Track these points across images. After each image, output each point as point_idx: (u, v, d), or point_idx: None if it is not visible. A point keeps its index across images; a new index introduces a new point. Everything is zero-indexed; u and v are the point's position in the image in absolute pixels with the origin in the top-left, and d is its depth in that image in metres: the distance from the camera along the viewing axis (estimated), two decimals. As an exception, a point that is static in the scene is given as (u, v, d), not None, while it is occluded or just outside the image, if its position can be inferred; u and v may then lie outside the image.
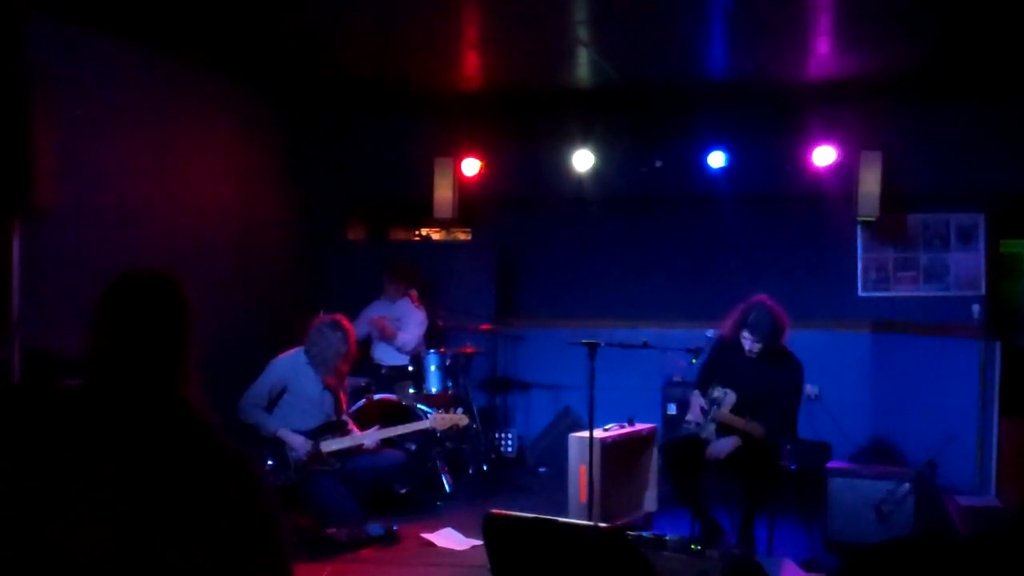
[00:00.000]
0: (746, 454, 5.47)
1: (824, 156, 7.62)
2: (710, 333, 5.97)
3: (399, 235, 10.13)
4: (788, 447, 5.76)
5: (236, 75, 7.26)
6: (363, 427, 6.04)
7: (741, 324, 5.62)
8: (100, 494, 1.75)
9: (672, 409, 7.51)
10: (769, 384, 5.53)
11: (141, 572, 1.71)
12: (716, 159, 7.88)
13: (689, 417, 5.81)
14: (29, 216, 4.86)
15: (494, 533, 3.03)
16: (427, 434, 6.65)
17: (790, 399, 5.60)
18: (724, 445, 5.53)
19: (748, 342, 5.60)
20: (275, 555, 1.82)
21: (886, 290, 8.10)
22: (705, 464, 5.61)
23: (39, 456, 1.80)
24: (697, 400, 5.77)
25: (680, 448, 5.71)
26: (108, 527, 1.73)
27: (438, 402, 7.12)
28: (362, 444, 5.87)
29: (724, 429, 5.62)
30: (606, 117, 8.17)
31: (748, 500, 5.44)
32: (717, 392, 5.69)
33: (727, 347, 5.79)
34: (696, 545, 4.06)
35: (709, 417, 5.65)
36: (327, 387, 5.90)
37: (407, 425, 6.17)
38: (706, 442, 5.63)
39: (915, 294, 8.02)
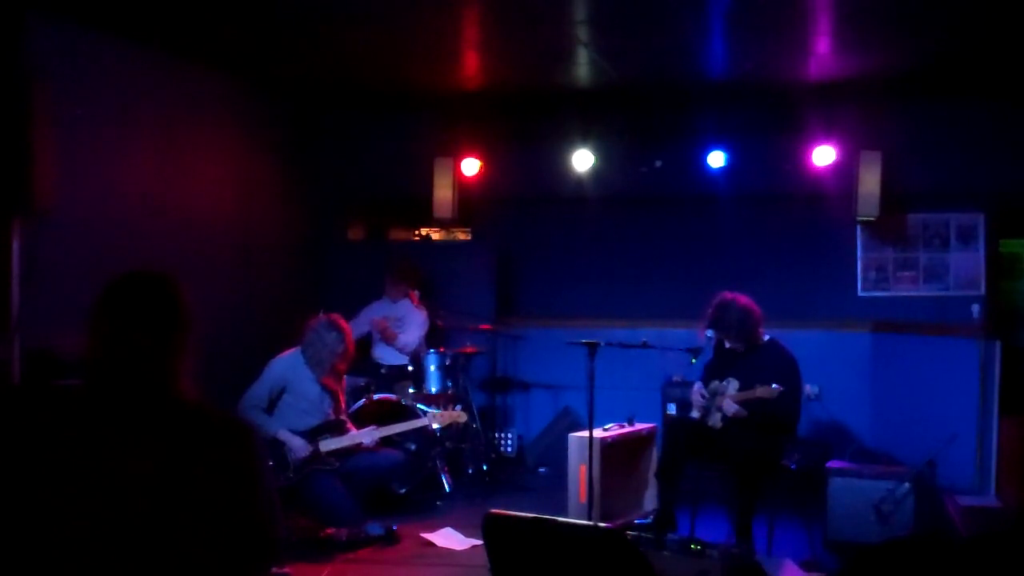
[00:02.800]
0: (744, 452, 5.48)
1: (824, 156, 7.62)
2: (710, 333, 5.99)
3: (399, 235, 10.13)
4: (788, 447, 5.77)
5: (236, 75, 7.25)
6: (363, 427, 6.03)
7: (713, 325, 5.75)
8: (115, 485, 1.80)
9: (672, 409, 7.51)
10: (768, 371, 5.55)
11: (163, 552, 1.78)
12: (716, 159, 7.88)
13: (694, 406, 5.92)
14: (29, 216, 4.86)
15: (494, 533, 3.03)
16: (427, 434, 6.65)
17: (791, 386, 5.59)
18: (732, 405, 5.55)
19: (727, 341, 5.78)
20: (265, 505, 1.97)
21: (886, 290, 8.09)
22: (701, 457, 5.70)
23: (51, 453, 1.84)
24: (698, 389, 5.89)
25: (683, 428, 5.89)
26: (126, 513, 1.77)
27: (438, 402, 7.14)
28: (360, 443, 5.88)
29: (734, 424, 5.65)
30: (606, 117, 8.16)
31: (743, 499, 5.44)
32: (715, 384, 5.82)
33: (724, 345, 5.91)
34: (696, 545, 4.06)
35: (715, 406, 5.73)
36: (325, 387, 5.90)
37: (405, 423, 6.18)
38: (711, 430, 5.72)
39: (915, 294, 8.02)
